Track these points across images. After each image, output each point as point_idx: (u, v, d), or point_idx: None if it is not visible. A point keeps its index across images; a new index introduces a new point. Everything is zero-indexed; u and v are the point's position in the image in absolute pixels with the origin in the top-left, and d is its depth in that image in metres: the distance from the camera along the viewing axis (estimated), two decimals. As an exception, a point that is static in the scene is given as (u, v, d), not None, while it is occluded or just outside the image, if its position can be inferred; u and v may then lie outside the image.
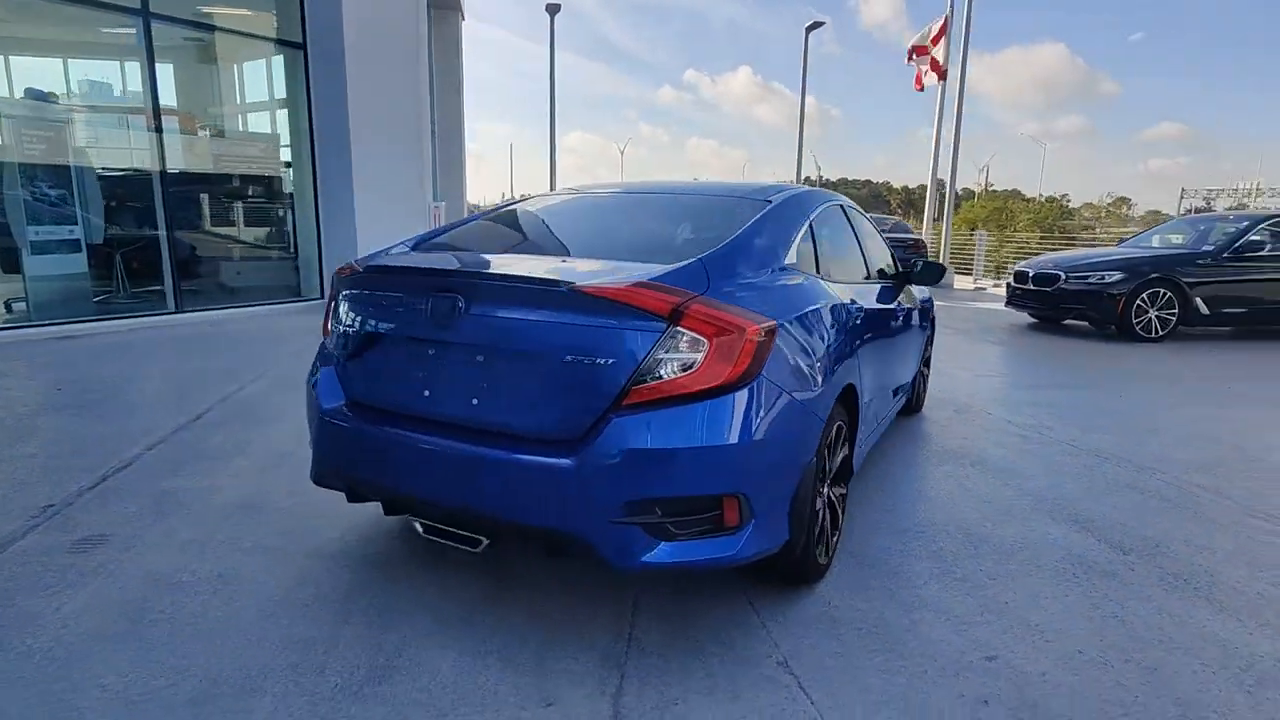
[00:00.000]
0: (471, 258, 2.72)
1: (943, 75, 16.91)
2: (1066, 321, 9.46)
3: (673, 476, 1.97)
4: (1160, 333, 8.38)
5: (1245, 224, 8.66)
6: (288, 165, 9.63)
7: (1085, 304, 8.64)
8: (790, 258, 2.65)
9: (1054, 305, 9.00)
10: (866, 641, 2.26)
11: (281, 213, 9.80)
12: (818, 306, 2.53)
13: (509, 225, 3.36)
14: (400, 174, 9.69)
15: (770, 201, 2.91)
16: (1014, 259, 17.13)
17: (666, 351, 1.98)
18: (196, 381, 5.39)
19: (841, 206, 3.64)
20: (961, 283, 16.60)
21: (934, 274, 4.11)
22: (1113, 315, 8.41)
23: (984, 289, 15.73)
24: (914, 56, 17.68)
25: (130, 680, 1.99)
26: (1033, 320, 9.94)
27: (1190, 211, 38.22)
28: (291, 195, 9.70)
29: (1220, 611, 2.50)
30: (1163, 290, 8.31)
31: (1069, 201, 51.82)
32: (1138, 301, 8.32)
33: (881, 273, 3.90)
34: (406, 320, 2.28)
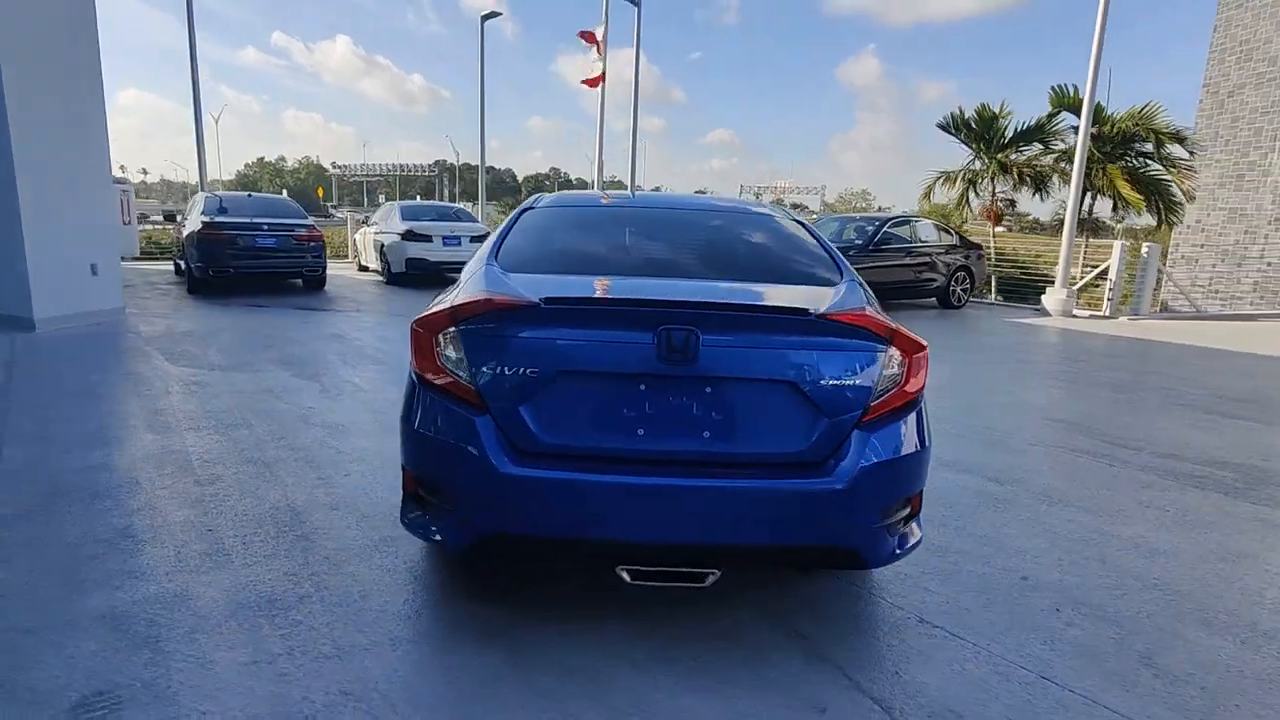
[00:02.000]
0: (648, 284, 2.50)
1: (599, 79, 18.80)
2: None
3: (905, 479, 2.21)
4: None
5: (878, 223, 11.80)
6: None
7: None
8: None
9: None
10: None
11: None
12: None
13: (579, 247, 2.94)
14: (76, 146, 7.42)
15: (801, 222, 3.25)
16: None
17: (885, 369, 2.16)
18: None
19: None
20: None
21: None
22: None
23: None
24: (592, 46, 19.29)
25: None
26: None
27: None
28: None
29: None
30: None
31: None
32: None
33: None
34: (610, 356, 2.08)
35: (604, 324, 2.12)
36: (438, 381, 2.19)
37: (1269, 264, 17.52)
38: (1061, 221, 16.83)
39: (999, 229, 18.66)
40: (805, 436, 2.11)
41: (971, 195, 17.14)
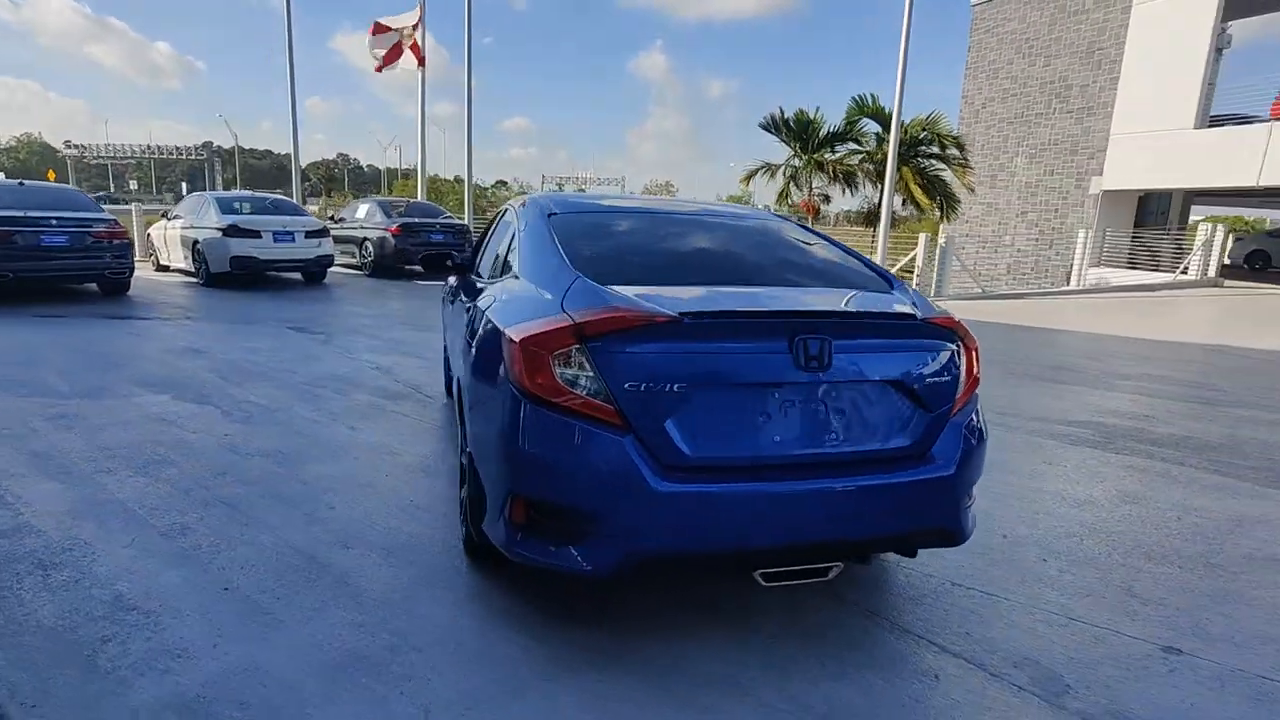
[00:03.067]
0: (770, 294, 2.55)
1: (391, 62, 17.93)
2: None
3: (981, 459, 2.48)
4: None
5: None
6: None
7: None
8: None
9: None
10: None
11: None
12: None
13: (652, 258, 2.86)
14: None
15: (808, 228, 3.50)
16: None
17: (963, 363, 2.41)
18: None
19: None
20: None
21: None
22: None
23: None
24: (377, 34, 18.23)
25: None
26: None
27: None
28: None
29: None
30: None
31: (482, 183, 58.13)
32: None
33: None
34: (748, 366, 2.14)
35: (741, 336, 2.17)
36: (563, 401, 2.10)
37: (1018, 250, 20.94)
38: (866, 214, 18.95)
39: (815, 224, 20.57)
40: (913, 431, 2.33)
41: (792, 189, 18.71)
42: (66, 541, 2.79)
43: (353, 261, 14.38)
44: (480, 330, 2.62)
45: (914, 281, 14.05)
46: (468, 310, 3.20)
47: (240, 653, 2.17)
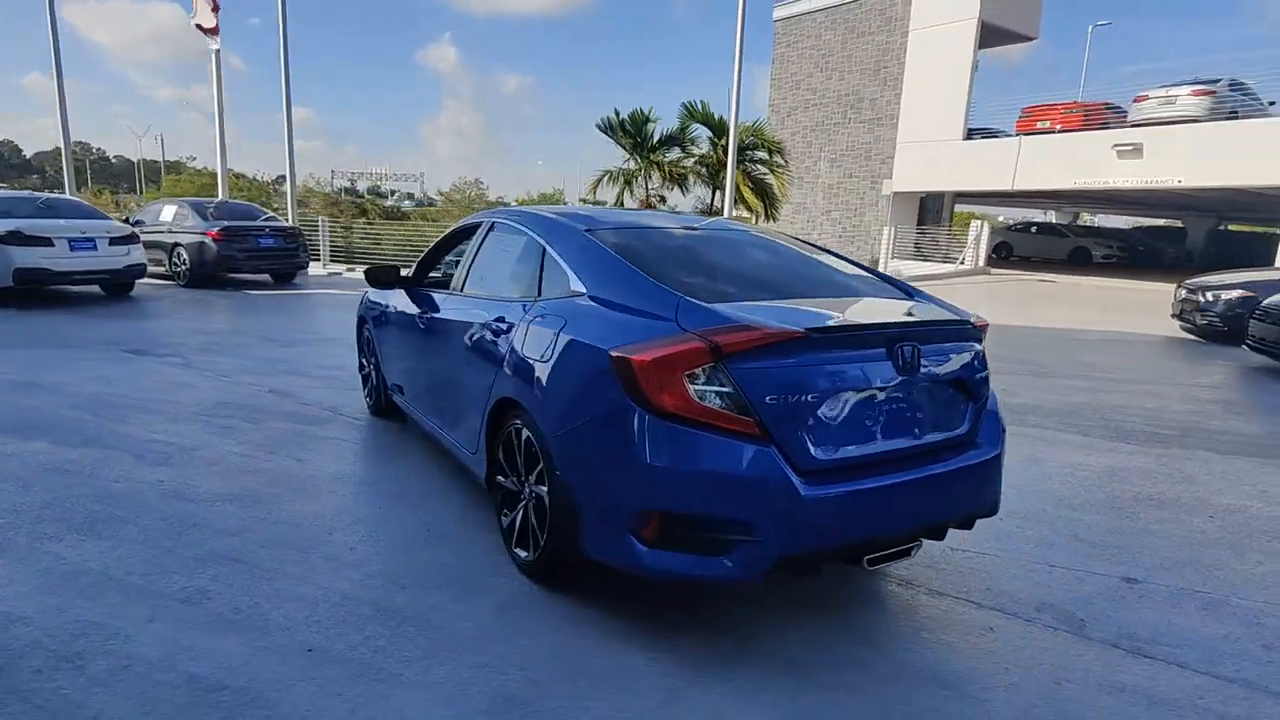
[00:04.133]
0: (866, 306, 2.88)
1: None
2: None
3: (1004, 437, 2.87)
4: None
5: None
6: None
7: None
8: None
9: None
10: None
11: None
12: None
13: (725, 276, 3.00)
14: None
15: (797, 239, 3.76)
16: (364, 244, 18.32)
17: (985, 357, 2.81)
18: None
19: None
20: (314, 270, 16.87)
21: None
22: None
23: (338, 274, 16.52)
24: None
25: None
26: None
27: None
28: None
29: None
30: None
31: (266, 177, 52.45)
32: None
33: None
34: (857, 374, 2.37)
35: (852, 346, 2.41)
36: (702, 418, 2.20)
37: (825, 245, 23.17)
38: (700, 213, 20.01)
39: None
40: (967, 420, 2.70)
41: (627, 193, 19.24)
42: (70, 626, 2.35)
43: (160, 270, 12.63)
44: (556, 355, 2.59)
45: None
46: (485, 334, 3.12)
47: (386, 714, 2.02)
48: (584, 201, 25.82)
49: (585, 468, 2.45)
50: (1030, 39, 22.56)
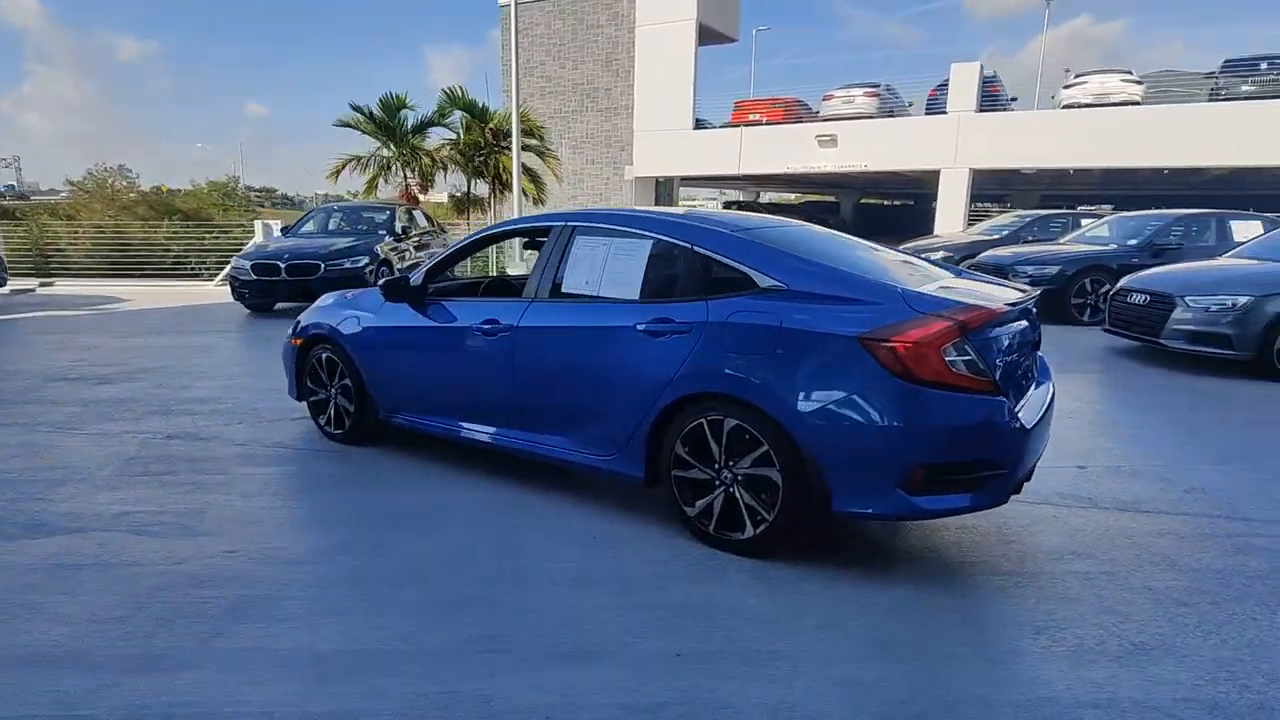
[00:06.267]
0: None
1: None
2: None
3: None
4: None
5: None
6: None
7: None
8: None
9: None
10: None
11: None
12: None
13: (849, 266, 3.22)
14: None
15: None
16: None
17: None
18: None
19: None
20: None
21: None
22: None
23: (31, 290, 13.06)
24: None
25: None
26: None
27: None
28: None
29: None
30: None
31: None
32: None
33: None
34: (1019, 336, 3.09)
35: (1018, 318, 3.11)
36: (957, 382, 2.68)
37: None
38: (457, 201, 19.55)
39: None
40: (1043, 368, 3.58)
41: (382, 181, 18.04)
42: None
43: None
44: (786, 345, 2.82)
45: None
46: (640, 336, 3.16)
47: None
48: (213, 186, 24.39)
49: (841, 438, 2.73)
50: (733, 40, 25.66)
